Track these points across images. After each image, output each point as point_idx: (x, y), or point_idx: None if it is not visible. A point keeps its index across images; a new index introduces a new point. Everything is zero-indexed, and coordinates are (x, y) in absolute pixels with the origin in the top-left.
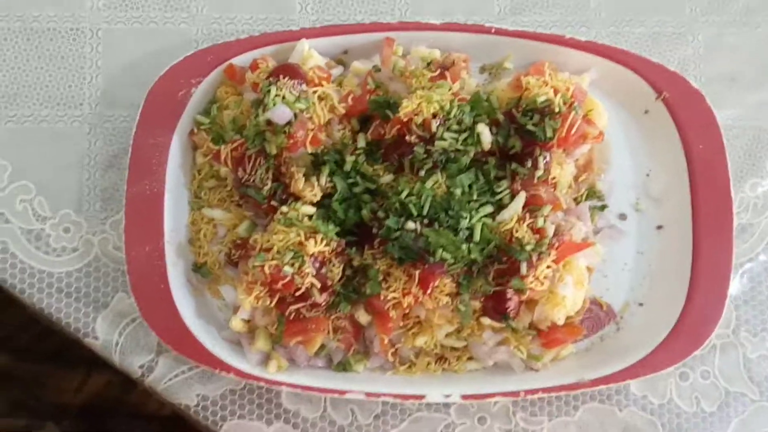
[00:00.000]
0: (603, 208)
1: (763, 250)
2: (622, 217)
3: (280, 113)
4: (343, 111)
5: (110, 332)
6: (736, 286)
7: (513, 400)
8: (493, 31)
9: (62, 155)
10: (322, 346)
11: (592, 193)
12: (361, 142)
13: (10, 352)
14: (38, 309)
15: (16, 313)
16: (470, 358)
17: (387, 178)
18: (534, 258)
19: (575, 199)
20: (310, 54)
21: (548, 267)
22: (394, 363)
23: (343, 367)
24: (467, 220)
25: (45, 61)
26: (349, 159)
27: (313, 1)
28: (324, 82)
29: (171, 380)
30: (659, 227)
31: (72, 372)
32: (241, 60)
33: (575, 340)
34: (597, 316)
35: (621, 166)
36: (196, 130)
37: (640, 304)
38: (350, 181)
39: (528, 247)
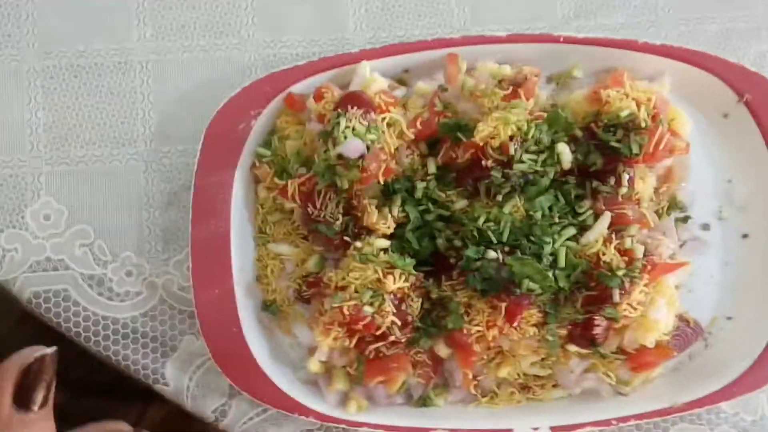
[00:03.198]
0: (686, 219)
1: None
2: (705, 227)
3: (353, 147)
4: (412, 137)
5: (180, 377)
6: None
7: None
8: (561, 39)
9: (119, 195)
10: (402, 383)
11: (673, 205)
12: (432, 168)
13: (67, 388)
14: (105, 356)
15: (69, 347)
16: (555, 386)
17: (461, 203)
18: (626, 283)
19: (656, 212)
20: (373, 78)
21: (640, 292)
22: (476, 395)
23: (423, 402)
24: (550, 245)
25: (95, 98)
26: (420, 186)
27: (368, 17)
28: (391, 108)
29: (246, 423)
30: (745, 236)
31: (128, 405)
32: (299, 87)
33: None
34: (684, 333)
35: (701, 174)
36: (257, 164)
37: (729, 318)
38: (422, 208)
39: (619, 272)
